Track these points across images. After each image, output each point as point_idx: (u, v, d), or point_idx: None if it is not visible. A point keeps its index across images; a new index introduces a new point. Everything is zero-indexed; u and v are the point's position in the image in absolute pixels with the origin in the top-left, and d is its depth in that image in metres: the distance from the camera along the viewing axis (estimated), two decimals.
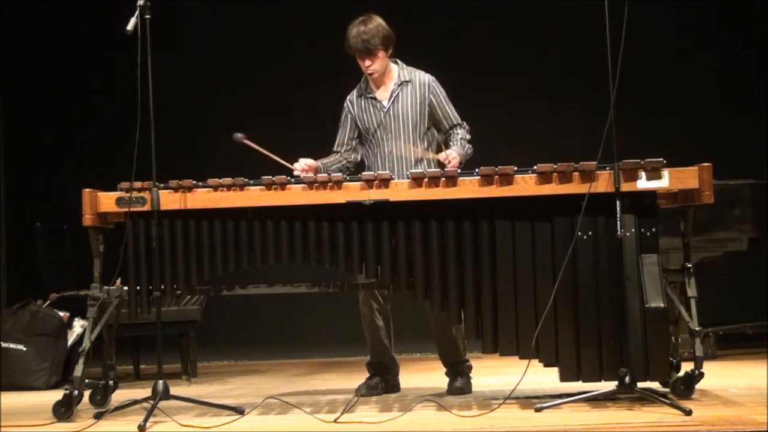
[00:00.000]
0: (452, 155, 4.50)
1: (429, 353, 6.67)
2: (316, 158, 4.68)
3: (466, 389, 4.62)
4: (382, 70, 4.66)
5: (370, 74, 4.65)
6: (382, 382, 4.72)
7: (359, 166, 4.77)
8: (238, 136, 4.51)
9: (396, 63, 4.74)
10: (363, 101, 4.73)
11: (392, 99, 4.68)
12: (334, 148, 4.83)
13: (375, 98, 4.71)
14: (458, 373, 4.68)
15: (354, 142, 4.79)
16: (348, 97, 4.80)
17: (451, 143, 4.70)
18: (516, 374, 3.97)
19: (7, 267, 7.84)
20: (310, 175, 4.32)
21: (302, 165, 4.57)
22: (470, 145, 4.71)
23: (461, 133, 4.71)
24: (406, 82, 4.69)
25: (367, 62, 4.61)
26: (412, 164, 4.62)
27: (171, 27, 5.76)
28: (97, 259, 4.26)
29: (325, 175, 4.16)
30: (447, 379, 4.72)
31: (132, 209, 4.13)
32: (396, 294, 4.46)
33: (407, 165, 4.62)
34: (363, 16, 4.64)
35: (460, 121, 4.75)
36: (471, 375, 4.71)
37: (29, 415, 4.29)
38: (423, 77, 4.71)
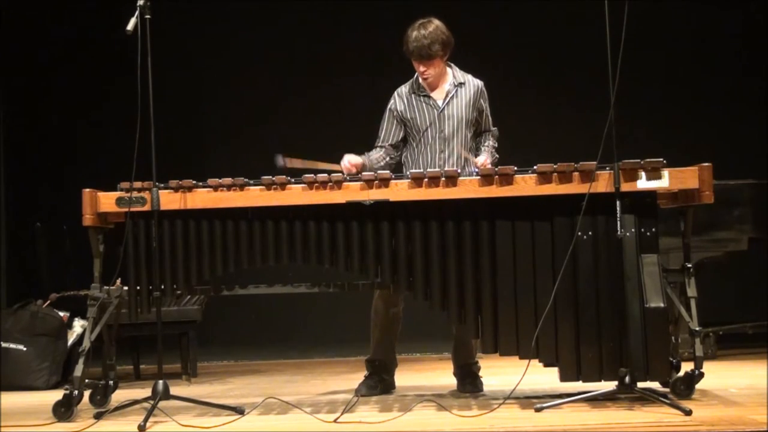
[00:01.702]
0: (488, 163, 4.55)
1: (429, 353, 6.69)
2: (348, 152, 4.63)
3: (480, 387, 4.65)
4: (438, 75, 4.66)
5: (425, 79, 4.65)
6: (380, 381, 4.71)
7: (398, 168, 4.73)
8: (280, 161, 4.38)
9: (449, 65, 4.74)
10: (415, 99, 4.71)
11: (447, 99, 4.68)
12: (379, 143, 4.76)
13: (429, 96, 4.70)
14: (470, 373, 4.70)
15: (398, 140, 4.75)
16: (397, 90, 4.76)
17: (482, 148, 4.74)
18: (516, 374, 3.97)
19: (7, 267, 7.84)
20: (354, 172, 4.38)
21: (346, 164, 4.54)
22: (496, 154, 4.75)
23: (491, 141, 4.78)
24: (461, 84, 4.70)
25: (423, 68, 4.61)
26: (461, 165, 4.62)
27: (171, 27, 5.76)
28: (97, 259, 4.26)
29: (325, 175, 4.16)
30: (446, 379, 4.72)
31: (132, 209, 4.13)
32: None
33: (456, 164, 4.61)
34: (422, 19, 4.62)
35: (493, 127, 4.82)
36: (480, 375, 4.73)
37: (29, 415, 4.29)
38: (476, 81, 4.75)
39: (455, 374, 4.74)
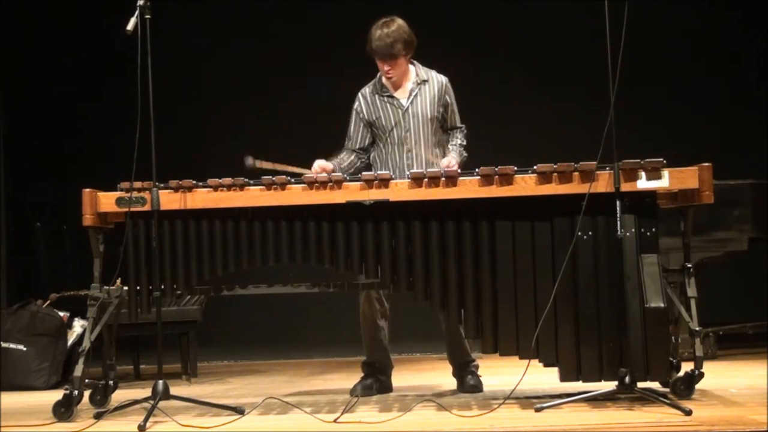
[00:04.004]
0: (452, 163, 4.51)
1: (429, 353, 6.68)
2: (325, 157, 4.62)
3: (479, 387, 4.64)
4: (401, 74, 4.66)
5: (389, 78, 4.65)
6: (377, 382, 4.71)
7: (367, 168, 4.73)
8: (249, 161, 4.46)
9: (412, 63, 4.74)
10: (378, 99, 4.71)
11: (411, 98, 4.67)
12: (349, 145, 4.77)
13: (393, 96, 4.69)
14: (468, 371, 4.69)
15: (367, 143, 4.75)
16: (360, 91, 4.77)
17: (449, 147, 4.72)
18: (516, 374, 3.97)
19: (7, 267, 7.84)
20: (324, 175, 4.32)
21: (316, 168, 4.49)
22: (465, 152, 4.74)
23: (459, 138, 4.76)
24: (424, 81, 4.70)
25: (387, 67, 4.61)
26: (429, 163, 4.62)
27: (171, 27, 5.76)
28: (97, 259, 4.26)
29: (325, 175, 4.16)
30: (446, 379, 4.72)
31: (132, 209, 4.13)
32: (395, 294, 4.47)
33: (425, 162, 4.62)
34: (385, 18, 4.62)
35: (460, 124, 4.79)
36: (479, 374, 4.73)
37: (29, 415, 4.29)
38: (439, 77, 4.74)
39: (454, 374, 4.74)
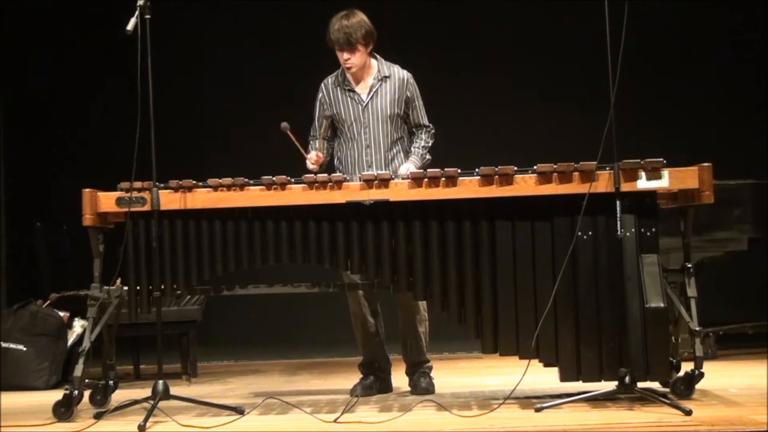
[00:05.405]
0: (411, 170, 4.46)
1: (428, 353, 6.67)
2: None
3: (431, 389, 4.63)
4: (360, 65, 4.64)
5: (348, 68, 4.63)
6: (377, 382, 4.71)
7: (332, 159, 4.79)
8: (284, 125, 4.53)
9: (375, 58, 4.72)
10: (340, 93, 4.70)
11: (371, 94, 4.66)
12: (318, 135, 4.75)
13: (354, 91, 4.68)
14: (422, 373, 4.69)
15: (330, 132, 4.76)
16: (323, 81, 4.77)
17: (411, 149, 4.71)
18: (516, 374, 3.98)
19: (7, 267, 7.83)
20: (315, 167, 4.47)
21: (313, 157, 4.61)
22: (428, 155, 4.72)
23: (423, 140, 4.73)
24: (386, 77, 4.68)
25: (346, 55, 4.59)
26: (388, 160, 4.63)
27: (171, 27, 5.76)
28: (97, 259, 4.26)
29: (325, 175, 4.16)
30: (445, 379, 4.72)
31: (132, 209, 4.13)
32: (385, 292, 4.48)
33: (383, 159, 4.63)
34: (346, 11, 4.63)
35: (427, 123, 4.76)
36: (432, 375, 4.72)
37: (29, 415, 4.29)
38: (401, 73, 4.72)
39: (407, 374, 4.74)
